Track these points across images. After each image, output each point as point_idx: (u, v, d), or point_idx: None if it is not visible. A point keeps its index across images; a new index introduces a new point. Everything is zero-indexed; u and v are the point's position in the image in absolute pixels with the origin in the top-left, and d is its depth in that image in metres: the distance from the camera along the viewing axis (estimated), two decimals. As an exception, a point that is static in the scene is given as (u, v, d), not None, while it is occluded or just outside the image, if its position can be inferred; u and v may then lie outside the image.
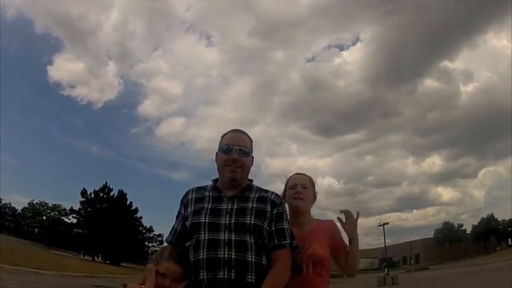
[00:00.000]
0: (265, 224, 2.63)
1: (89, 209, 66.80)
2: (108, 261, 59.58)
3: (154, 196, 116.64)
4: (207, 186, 2.88)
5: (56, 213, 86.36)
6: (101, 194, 68.50)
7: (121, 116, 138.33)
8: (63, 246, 67.32)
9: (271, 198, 2.75)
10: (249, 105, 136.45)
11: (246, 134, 2.90)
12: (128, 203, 69.56)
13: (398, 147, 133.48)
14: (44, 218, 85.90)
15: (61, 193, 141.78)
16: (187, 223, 2.68)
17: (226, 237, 2.53)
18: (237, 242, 2.52)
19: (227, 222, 2.58)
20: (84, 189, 68.34)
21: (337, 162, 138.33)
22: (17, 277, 16.08)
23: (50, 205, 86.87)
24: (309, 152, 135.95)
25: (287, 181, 3.23)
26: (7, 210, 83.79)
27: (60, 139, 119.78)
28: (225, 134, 2.89)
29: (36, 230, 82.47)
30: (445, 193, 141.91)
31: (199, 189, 2.88)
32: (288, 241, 2.66)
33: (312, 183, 3.20)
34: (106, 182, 69.79)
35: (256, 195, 2.75)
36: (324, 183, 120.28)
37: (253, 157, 2.88)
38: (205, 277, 2.47)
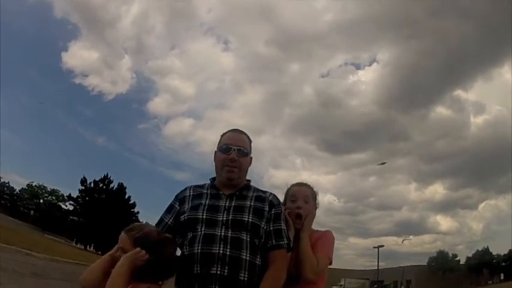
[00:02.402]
0: (263, 223, 2.66)
1: (87, 198, 66.86)
2: (100, 252, 59.38)
3: (154, 193, 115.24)
4: (205, 184, 2.92)
5: (54, 198, 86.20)
6: (101, 185, 68.61)
7: (130, 111, 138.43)
8: (56, 232, 67.20)
9: (269, 198, 2.78)
10: (258, 113, 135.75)
11: (245, 134, 2.93)
12: (127, 196, 69.62)
13: (403, 171, 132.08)
14: (41, 201, 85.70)
15: (61, 179, 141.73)
16: (183, 218, 2.70)
17: (223, 234, 2.55)
18: (233, 239, 2.54)
19: (224, 219, 2.60)
20: (84, 177, 68.56)
21: (341, 181, 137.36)
22: (8, 255, 16.06)
23: (49, 189, 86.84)
24: (314, 168, 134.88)
25: (287, 191, 3.18)
26: (5, 189, 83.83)
27: (67, 126, 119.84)
28: (224, 134, 2.93)
29: (31, 212, 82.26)
30: (444, 222, 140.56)
31: (197, 187, 2.91)
32: (286, 241, 2.68)
33: (313, 195, 3.16)
34: (107, 174, 70.01)
35: (254, 194, 2.79)
36: (324, 200, 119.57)
37: (251, 157, 2.91)
38: (198, 272, 2.48)
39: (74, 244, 64.34)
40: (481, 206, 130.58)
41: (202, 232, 2.58)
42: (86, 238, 64.43)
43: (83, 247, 62.69)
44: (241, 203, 2.71)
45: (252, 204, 2.71)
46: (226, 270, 2.47)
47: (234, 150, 2.77)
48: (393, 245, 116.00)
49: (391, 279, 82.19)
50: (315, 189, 3.20)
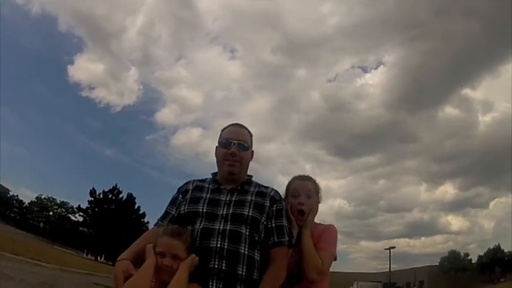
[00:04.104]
0: (263, 218, 2.64)
1: (96, 209, 67.02)
2: (110, 262, 59.38)
3: (163, 203, 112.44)
4: (207, 179, 2.91)
5: (63, 210, 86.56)
6: (110, 196, 68.71)
7: (138, 122, 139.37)
8: (67, 243, 67.37)
9: (271, 194, 2.77)
10: (267, 121, 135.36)
11: (246, 128, 2.92)
12: (136, 207, 69.73)
13: (412, 173, 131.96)
14: (51, 213, 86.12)
15: (70, 191, 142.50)
16: (183, 210, 2.69)
17: (221, 227, 2.52)
18: (231, 232, 2.51)
19: (224, 213, 2.58)
20: (93, 188, 68.73)
21: (351, 185, 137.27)
22: (16, 265, 16.07)
23: (58, 201, 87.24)
24: (324, 173, 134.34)
25: (289, 184, 3.08)
26: (14, 202, 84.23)
27: (75, 139, 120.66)
28: (224, 128, 2.92)
29: (41, 224, 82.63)
30: (455, 222, 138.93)
31: (200, 181, 2.90)
32: (287, 238, 2.65)
33: (316, 189, 3.06)
34: (116, 184, 70.15)
35: (256, 190, 2.77)
36: (335, 204, 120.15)
37: (252, 151, 2.89)
38: (197, 266, 2.43)
39: (84, 255, 64.46)
40: (492, 204, 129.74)
41: (201, 226, 2.56)
42: (96, 249, 64.47)
43: (93, 258, 62.79)
44: (242, 197, 2.70)
45: (253, 199, 2.69)
46: (224, 264, 2.44)
47: (234, 145, 2.76)
48: (405, 246, 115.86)
49: (403, 281, 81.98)
50: (317, 182, 3.11)
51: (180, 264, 2.34)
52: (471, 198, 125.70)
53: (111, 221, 62.24)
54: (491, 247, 78.06)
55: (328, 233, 2.91)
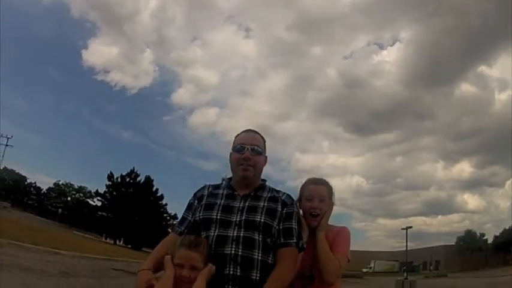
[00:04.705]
0: (275, 223, 2.65)
1: (114, 193, 67.42)
2: (129, 246, 59.99)
3: (181, 184, 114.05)
4: (222, 184, 2.94)
5: (81, 195, 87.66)
6: (128, 179, 68.98)
7: (154, 103, 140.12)
8: (85, 228, 68.16)
9: (283, 198, 2.79)
10: (283, 99, 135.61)
11: (259, 134, 2.94)
12: (154, 189, 69.95)
13: (429, 150, 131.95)
14: (69, 199, 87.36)
15: (88, 176, 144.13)
16: (198, 217, 2.72)
17: (235, 234, 2.56)
18: (245, 239, 2.55)
19: (238, 219, 2.61)
20: (111, 172, 69.19)
21: (368, 162, 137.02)
22: (35, 255, 16.34)
23: (76, 187, 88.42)
24: (341, 150, 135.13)
25: (302, 188, 3.12)
26: (32, 189, 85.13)
27: (92, 123, 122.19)
28: (238, 135, 2.94)
29: (59, 210, 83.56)
30: (471, 201, 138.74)
31: (215, 186, 2.93)
32: (294, 240, 2.68)
33: (329, 193, 3.09)
34: (133, 167, 70.38)
35: (268, 195, 2.79)
36: (352, 182, 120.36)
37: (266, 157, 2.91)
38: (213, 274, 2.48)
39: (103, 239, 65.07)
40: (508, 183, 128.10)
41: (216, 233, 2.59)
42: (115, 233, 65.05)
43: (112, 242, 63.39)
44: (254, 203, 2.71)
45: (265, 204, 2.71)
46: (238, 270, 2.48)
47: (248, 149, 2.77)
48: (421, 225, 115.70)
49: (420, 260, 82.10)
50: (330, 184, 3.14)
51: (198, 275, 2.38)
52: (487, 177, 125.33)
53: (129, 205, 62.59)
54: (507, 227, 77.69)
55: (342, 236, 2.94)
